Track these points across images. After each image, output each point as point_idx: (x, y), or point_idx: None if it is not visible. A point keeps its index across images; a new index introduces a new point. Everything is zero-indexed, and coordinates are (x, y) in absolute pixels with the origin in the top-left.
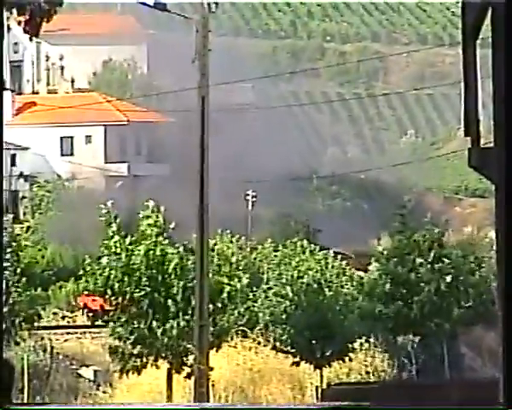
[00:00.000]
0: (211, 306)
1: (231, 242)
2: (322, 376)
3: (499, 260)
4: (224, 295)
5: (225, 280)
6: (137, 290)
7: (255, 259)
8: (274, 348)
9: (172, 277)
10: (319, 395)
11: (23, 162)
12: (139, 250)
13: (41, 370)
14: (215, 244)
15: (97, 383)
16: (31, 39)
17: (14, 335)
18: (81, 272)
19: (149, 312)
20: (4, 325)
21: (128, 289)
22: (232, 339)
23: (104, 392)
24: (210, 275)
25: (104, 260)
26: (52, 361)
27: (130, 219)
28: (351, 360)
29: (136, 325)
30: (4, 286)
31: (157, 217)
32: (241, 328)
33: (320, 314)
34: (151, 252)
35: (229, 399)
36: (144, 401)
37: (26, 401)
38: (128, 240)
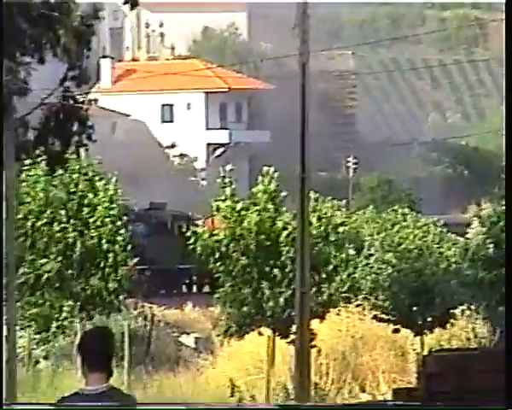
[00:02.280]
0: (316, 275)
1: (333, 208)
2: (423, 342)
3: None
4: (329, 264)
5: (331, 249)
6: (245, 257)
7: (356, 225)
8: (376, 316)
9: (281, 244)
10: (420, 362)
11: (124, 130)
12: (250, 216)
13: (141, 338)
14: (315, 211)
15: (198, 351)
16: (132, 8)
17: (117, 303)
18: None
19: (256, 278)
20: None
21: (235, 254)
22: (335, 307)
23: (205, 359)
24: (314, 243)
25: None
26: (152, 329)
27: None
28: (452, 326)
29: (242, 291)
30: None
31: (268, 183)
32: (343, 295)
33: (421, 281)
34: (261, 219)
35: (331, 366)
36: (245, 368)
37: (126, 368)
38: (239, 206)
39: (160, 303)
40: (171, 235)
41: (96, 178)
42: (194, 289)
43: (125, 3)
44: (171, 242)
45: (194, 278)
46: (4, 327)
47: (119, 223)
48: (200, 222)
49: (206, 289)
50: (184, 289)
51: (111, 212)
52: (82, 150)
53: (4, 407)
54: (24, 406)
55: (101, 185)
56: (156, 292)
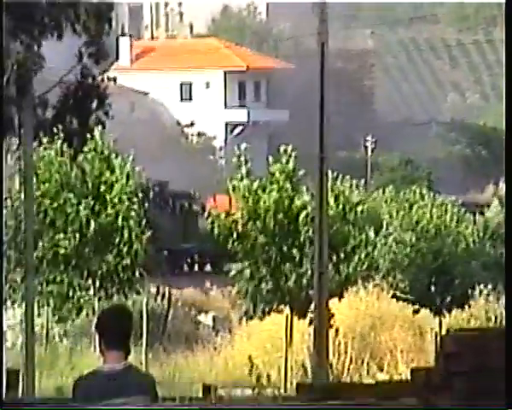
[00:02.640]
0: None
1: (351, 187)
2: (441, 322)
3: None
4: (348, 244)
5: (349, 230)
6: (263, 235)
7: (375, 205)
8: (395, 296)
9: (300, 224)
10: (438, 342)
11: (142, 108)
12: (268, 195)
13: (159, 316)
14: (333, 190)
15: (216, 330)
16: None
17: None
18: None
19: (274, 258)
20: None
21: (253, 233)
22: (353, 286)
23: (222, 337)
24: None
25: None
26: (170, 307)
27: (255, 166)
28: (470, 306)
29: (260, 271)
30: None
31: (287, 162)
32: (362, 274)
33: (440, 261)
34: (279, 197)
35: (349, 345)
36: (263, 347)
37: (144, 345)
38: (256, 184)
39: (176, 282)
40: (173, 213)
41: (113, 155)
42: (196, 268)
43: None
44: (173, 220)
45: (196, 257)
46: (22, 304)
47: (134, 199)
48: (201, 201)
49: (208, 268)
50: (186, 268)
51: (127, 189)
52: (99, 128)
53: (4, 407)
54: (24, 406)
55: (118, 163)
56: (170, 271)
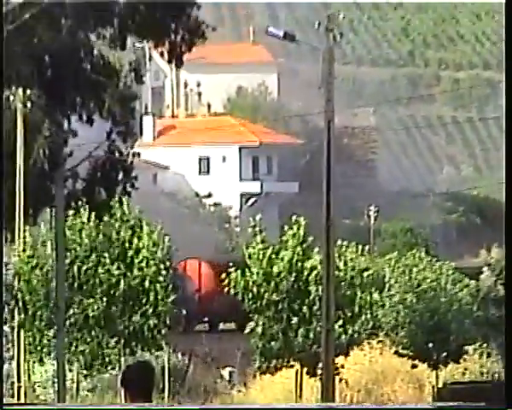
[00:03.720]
0: (341, 315)
1: (357, 253)
2: (438, 376)
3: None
4: (355, 305)
5: (355, 292)
6: (276, 295)
7: (378, 268)
8: (396, 352)
9: (310, 285)
10: (435, 394)
11: (164, 181)
12: (280, 259)
13: (180, 370)
14: (341, 255)
15: (232, 383)
16: (177, 66)
17: (159, 339)
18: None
19: (286, 316)
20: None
21: (267, 294)
22: (358, 343)
23: (239, 391)
24: (341, 285)
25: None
26: (189, 363)
27: (267, 234)
28: (465, 360)
29: (272, 328)
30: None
31: (298, 229)
32: (366, 332)
33: (436, 319)
34: (291, 261)
35: (354, 396)
36: (275, 399)
37: (166, 397)
38: (270, 250)
39: (194, 339)
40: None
41: (141, 223)
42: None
43: (169, 62)
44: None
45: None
46: (54, 362)
47: (161, 266)
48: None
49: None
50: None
51: (155, 256)
52: (125, 199)
53: (4, 407)
54: (24, 406)
55: (146, 231)
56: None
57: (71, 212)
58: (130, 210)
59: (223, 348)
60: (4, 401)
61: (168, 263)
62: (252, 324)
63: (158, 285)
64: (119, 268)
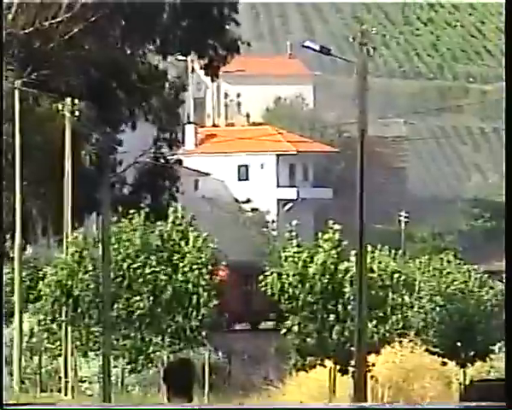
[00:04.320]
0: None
1: (389, 256)
2: (465, 373)
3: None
4: (387, 306)
5: (386, 293)
6: (311, 297)
7: (409, 271)
8: (427, 350)
9: (344, 286)
10: (462, 392)
11: (205, 186)
12: (315, 262)
13: (220, 368)
14: (373, 259)
15: (270, 380)
16: (212, 80)
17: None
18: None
19: (320, 316)
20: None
21: (302, 295)
22: (390, 343)
23: (276, 387)
24: (373, 287)
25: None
26: (230, 361)
27: (303, 237)
28: (491, 359)
29: (307, 327)
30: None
31: (333, 234)
32: (398, 332)
33: (464, 320)
34: (325, 264)
35: (385, 394)
36: (311, 395)
37: (206, 394)
38: (305, 254)
39: (234, 338)
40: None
41: (189, 229)
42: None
43: (205, 75)
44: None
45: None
46: (100, 357)
47: (204, 270)
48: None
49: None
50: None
51: (199, 260)
52: (179, 205)
53: (4, 407)
54: (24, 406)
55: (193, 236)
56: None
57: (127, 213)
58: (183, 215)
59: (260, 346)
60: (56, 395)
61: (211, 267)
62: (288, 323)
63: (200, 288)
64: (164, 270)
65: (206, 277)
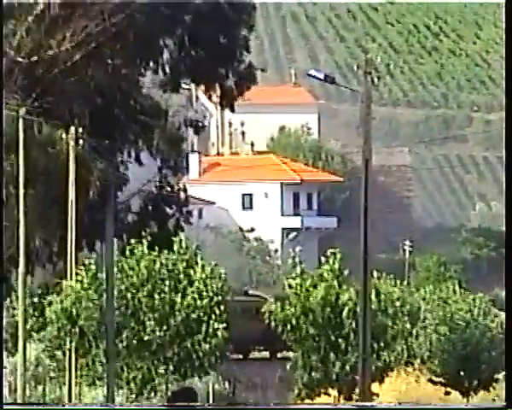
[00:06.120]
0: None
1: (394, 286)
2: (468, 402)
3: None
4: (388, 335)
5: (389, 322)
6: (313, 327)
7: (413, 300)
8: (430, 380)
9: (344, 318)
10: None
11: (209, 215)
12: (317, 292)
13: (225, 396)
14: (377, 287)
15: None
16: (222, 110)
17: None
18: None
19: (323, 347)
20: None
21: (305, 326)
22: (394, 371)
23: None
24: (376, 315)
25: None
26: (234, 389)
27: (307, 266)
28: (494, 388)
29: (311, 358)
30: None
31: (333, 263)
32: (402, 361)
33: (469, 349)
34: (327, 295)
35: None
36: None
37: None
38: (308, 282)
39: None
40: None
41: (196, 258)
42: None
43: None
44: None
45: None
46: (104, 388)
47: (215, 299)
48: None
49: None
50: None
51: (208, 287)
52: (182, 235)
53: (4, 407)
54: (24, 406)
55: (200, 265)
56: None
57: (132, 241)
58: (187, 245)
59: (263, 374)
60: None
61: (221, 297)
62: (285, 353)
63: (212, 317)
64: (172, 299)
65: (216, 307)
